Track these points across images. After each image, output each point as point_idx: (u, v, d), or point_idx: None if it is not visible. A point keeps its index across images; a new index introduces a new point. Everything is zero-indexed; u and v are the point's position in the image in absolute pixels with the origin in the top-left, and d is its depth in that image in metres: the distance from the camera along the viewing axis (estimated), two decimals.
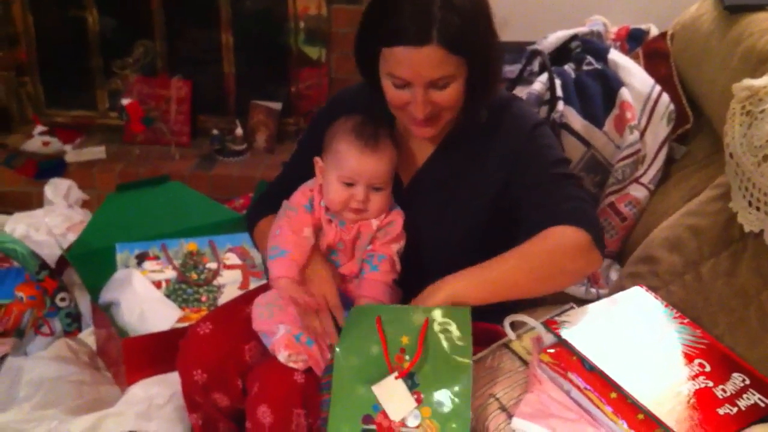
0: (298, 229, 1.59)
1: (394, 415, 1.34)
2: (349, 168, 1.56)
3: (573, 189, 1.57)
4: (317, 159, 1.64)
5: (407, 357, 1.38)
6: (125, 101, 3.32)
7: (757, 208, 1.49)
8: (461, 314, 1.41)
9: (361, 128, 1.57)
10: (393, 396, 1.35)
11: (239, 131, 3.36)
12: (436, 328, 1.39)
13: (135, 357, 2.00)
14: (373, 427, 1.35)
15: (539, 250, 1.48)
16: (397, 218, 1.64)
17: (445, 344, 1.38)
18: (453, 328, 1.39)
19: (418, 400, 1.35)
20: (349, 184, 1.57)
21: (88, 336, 2.36)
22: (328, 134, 1.62)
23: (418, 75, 1.48)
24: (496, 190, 1.62)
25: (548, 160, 1.60)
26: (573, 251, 1.48)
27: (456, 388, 1.35)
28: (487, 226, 1.65)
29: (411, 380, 1.36)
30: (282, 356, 1.54)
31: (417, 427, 1.34)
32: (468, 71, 1.50)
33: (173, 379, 1.79)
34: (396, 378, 1.36)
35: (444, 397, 1.35)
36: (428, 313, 1.40)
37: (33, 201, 3.22)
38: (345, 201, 1.58)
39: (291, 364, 1.54)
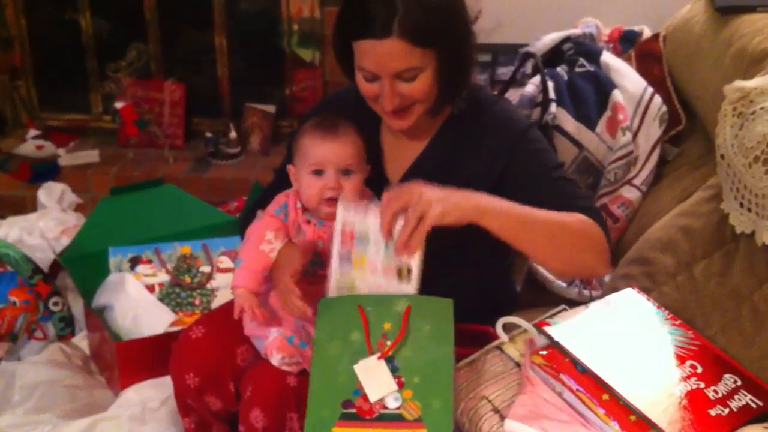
0: (260, 235, 1.58)
1: (374, 395, 1.35)
2: (315, 155, 1.58)
3: (581, 192, 1.61)
4: (290, 167, 1.66)
5: (388, 342, 1.40)
6: (119, 104, 3.31)
7: (749, 209, 1.49)
8: (443, 304, 1.43)
9: (320, 121, 1.60)
10: (374, 377, 1.37)
11: (233, 134, 3.36)
12: (418, 315, 1.42)
13: (128, 361, 2.00)
14: (353, 410, 1.35)
15: (573, 228, 1.51)
16: None
17: (426, 330, 1.40)
18: (435, 316, 1.42)
19: (399, 384, 1.37)
20: (319, 172, 1.58)
21: (81, 340, 2.36)
22: (295, 142, 1.64)
23: (383, 67, 1.50)
24: (488, 187, 1.61)
25: (548, 164, 1.62)
26: (596, 245, 1.54)
27: (438, 370, 1.37)
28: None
29: (392, 364, 1.38)
30: (275, 359, 1.55)
31: (397, 408, 1.35)
32: (437, 62, 1.52)
33: (167, 382, 1.79)
34: (378, 359, 1.37)
35: (425, 379, 1.37)
36: (411, 301, 1.43)
37: (27, 205, 3.21)
38: (319, 192, 1.58)
39: (285, 367, 1.55)
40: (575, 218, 1.53)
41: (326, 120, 1.60)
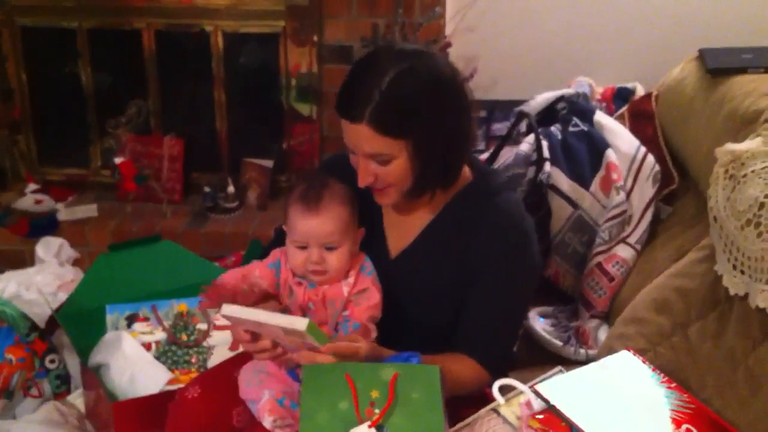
0: (250, 271, 1.68)
1: None
2: (298, 231, 1.61)
3: (505, 330, 1.70)
4: (285, 227, 1.68)
5: (377, 410, 1.39)
6: (118, 160, 3.34)
7: (742, 272, 1.51)
8: (431, 372, 1.44)
9: (305, 192, 1.63)
10: None
11: (231, 188, 3.38)
12: (406, 383, 1.42)
13: (125, 420, 1.98)
14: None
15: (454, 377, 1.56)
16: (371, 286, 1.65)
17: (415, 398, 1.40)
18: (422, 383, 1.42)
19: None
20: (303, 247, 1.61)
21: (77, 398, 2.34)
22: (285, 205, 1.67)
23: (356, 147, 1.56)
24: (466, 278, 1.66)
25: (509, 289, 1.67)
26: (471, 385, 1.64)
27: None
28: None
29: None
30: (267, 422, 1.54)
31: None
32: (409, 152, 1.54)
33: None
34: (369, 426, 1.36)
35: None
36: (397, 369, 1.43)
37: (25, 259, 3.22)
38: (303, 264, 1.62)
39: (277, 430, 1.54)
40: (460, 366, 1.62)
41: (311, 191, 1.62)
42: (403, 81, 1.50)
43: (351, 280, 1.64)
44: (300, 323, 1.41)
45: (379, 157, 1.54)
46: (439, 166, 1.59)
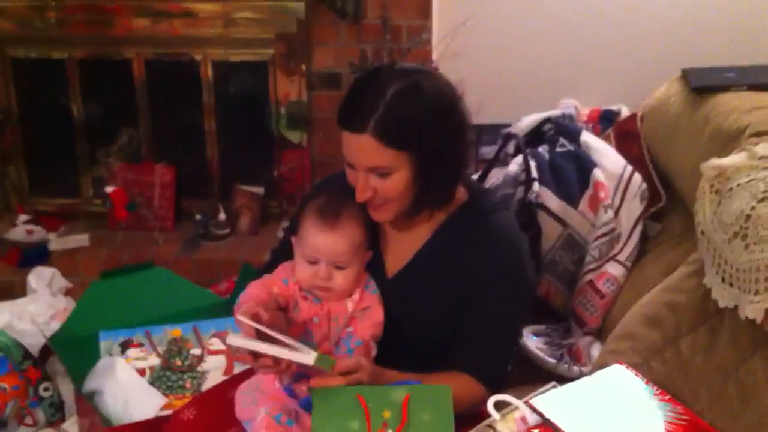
0: (268, 284, 1.66)
1: None
2: (310, 246, 1.61)
3: (498, 342, 1.70)
4: (293, 239, 1.69)
5: (390, 431, 1.40)
6: (110, 189, 3.36)
7: (730, 284, 1.53)
8: (443, 392, 1.46)
9: (324, 207, 1.63)
10: None
11: (222, 215, 3.40)
12: (418, 403, 1.43)
13: None
14: None
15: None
16: (374, 304, 1.67)
17: (427, 419, 1.41)
18: (434, 404, 1.43)
19: None
20: (313, 263, 1.62)
21: (71, 426, 2.33)
22: (301, 213, 1.67)
23: (357, 160, 1.57)
24: (462, 298, 1.68)
25: (502, 311, 1.69)
26: (468, 403, 1.62)
27: None
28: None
29: None
30: None
31: None
32: (411, 166, 1.56)
33: None
34: None
35: None
36: (409, 390, 1.44)
37: (16, 289, 3.21)
38: (310, 278, 1.62)
39: None
40: (456, 385, 1.58)
41: (330, 206, 1.62)
42: (407, 94, 1.53)
43: (356, 297, 1.65)
44: (308, 358, 1.42)
45: (379, 170, 1.55)
46: (439, 182, 1.61)
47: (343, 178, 1.76)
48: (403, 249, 1.74)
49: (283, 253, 1.80)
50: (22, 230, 3.42)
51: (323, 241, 1.60)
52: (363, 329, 1.63)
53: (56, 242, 3.38)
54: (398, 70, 1.61)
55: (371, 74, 1.61)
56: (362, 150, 1.54)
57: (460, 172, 1.67)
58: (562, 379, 1.74)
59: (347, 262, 1.61)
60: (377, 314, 1.65)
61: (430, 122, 1.55)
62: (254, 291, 1.63)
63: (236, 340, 1.48)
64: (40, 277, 3.14)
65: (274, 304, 1.63)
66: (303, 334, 1.64)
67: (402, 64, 1.71)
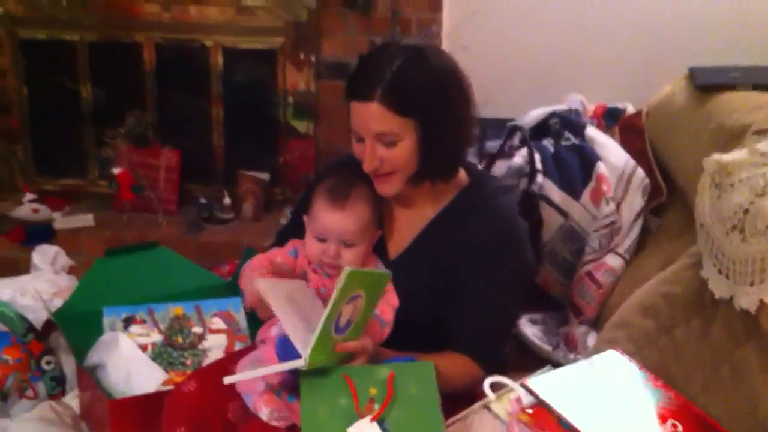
0: (271, 255, 1.74)
1: None
2: (320, 223, 1.66)
3: (494, 329, 1.73)
4: (305, 217, 1.73)
5: (376, 406, 1.43)
6: (116, 170, 3.38)
7: (727, 276, 1.55)
8: (426, 368, 1.50)
9: (335, 186, 1.67)
10: None
11: (227, 200, 3.42)
12: (403, 379, 1.46)
13: (121, 418, 2.00)
14: None
15: (449, 376, 1.62)
16: (389, 289, 1.68)
17: (413, 393, 1.45)
18: (419, 379, 1.47)
19: None
20: (322, 240, 1.66)
21: (72, 399, 2.36)
22: (312, 192, 1.73)
23: (365, 127, 1.61)
24: (461, 278, 1.71)
25: (498, 286, 1.71)
26: (465, 382, 1.68)
27: (429, 429, 1.42)
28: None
29: (383, 426, 1.41)
30: (264, 414, 1.57)
31: None
32: (417, 133, 1.60)
33: None
34: (371, 420, 1.40)
35: None
36: (393, 368, 1.48)
37: (20, 266, 3.23)
38: (318, 255, 1.67)
39: (274, 422, 1.57)
40: (455, 365, 1.67)
41: (340, 186, 1.67)
42: (414, 64, 1.59)
43: None
44: (299, 363, 1.46)
45: (386, 137, 1.59)
46: (442, 152, 1.64)
47: (353, 160, 1.79)
48: (405, 231, 1.77)
49: (289, 234, 1.83)
50: (27, 208, 3.44)
51: (332, 220, 1.64)
52: (386, 312, 1.67)
53: (61, 221, 3.40)
54: (405, 44, 1.67)
55: (379, 48, 1.68)
56: (370, 117, 1.58)
57: (463, 145, 1.71)
58: (558, 366, 1.76)
59: (356, 240, 1.65)
60: (393, 298, 1.69)
61: (435, 91, 1.60)
62: (257, 260, 1.72)
63: (230, 378, 1.53)
64: (44, 255, 3.16)
65: (278, 269, 1.68)
66: None
67: (408, 40, 1.74)
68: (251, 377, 1.54)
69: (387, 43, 1.70)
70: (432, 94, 1.60)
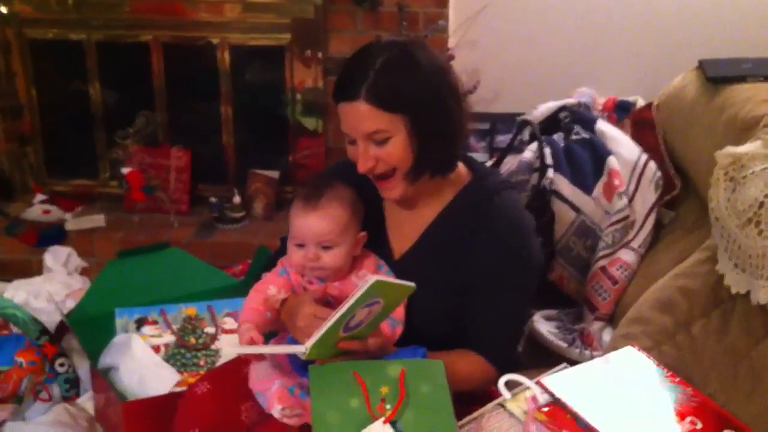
0: (264, 286, 1.68)
1: None
2: (295, 228, 1.65)
3: (506, 321, 1.72)
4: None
5: (388, 406, 1.41)
6: (126, 170, 3.38)
7: (743, 270, 1.54)
8: (436, 366, 1.47)
9: (308, 191, 1.66)
10: None
11: (237, 199, 3.42)
12: (414, 378, 1.45)
13: (135, 420, 2.00)
14: None
15: (461, 375, 1.62)
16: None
17: (424, 392, 1.43)
18: (429, 378, 1.45)
19: None
20: (301, 245, 1.64)
21: (86, 401, 2.37)
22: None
23: (354, 128, 1.59)
24: (469, 279, 1.70)
25: (509, 286, 1.70)
26: (477, 381, 1.68)
27: (442, 430, 1.40)
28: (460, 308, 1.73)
29: (394, 428, 1.39)
30: (276, 411, 1.56)
31: None
32: (407, 129, 1.59)
33: None
34: (384, 423, 1.38)
35: None
36: (404, 365, 1.46)
37: (33, 268, 3.25)
38: (300, 261, 1.65)
39: (286, 420, 1.56)
40: (467, 363, 1.67)
41: (313, 190, 1.66)
42: (396, 60, 1.58)
43: (361, 273, 1.67)
44: (299, 349, 1.46)
45: (377, 135, 1.58)
46: (436, 145, 1.63)
47: (350, 164, 1.78)
48: (408, 230, 1.76)
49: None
50: (38, 210, 3.46)
51: (305, 223, 1.63)
52: (398, 312, 1.65)
53: (72, 222, 3.41)
54: (387, 42, 1.64)
55: (362, 48, 1.65)
56: (359, 117, 1.57)
57: (456, 137, 1.69)
58: (573, 363, 1.75)
59: (333, 242, 1.63)
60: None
61: (420, 85, 1.58)
62: (250, 308, 1.66)
63: (231, 350, 1.52)
64: (56, 257, 3.18)
65: (273, 307, 1.67)
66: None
67: (391, 38, 1.73)
68: (255, 352, 1.57)
69: (370, 43, 1.69)
70: (418, 88, 1.58)
